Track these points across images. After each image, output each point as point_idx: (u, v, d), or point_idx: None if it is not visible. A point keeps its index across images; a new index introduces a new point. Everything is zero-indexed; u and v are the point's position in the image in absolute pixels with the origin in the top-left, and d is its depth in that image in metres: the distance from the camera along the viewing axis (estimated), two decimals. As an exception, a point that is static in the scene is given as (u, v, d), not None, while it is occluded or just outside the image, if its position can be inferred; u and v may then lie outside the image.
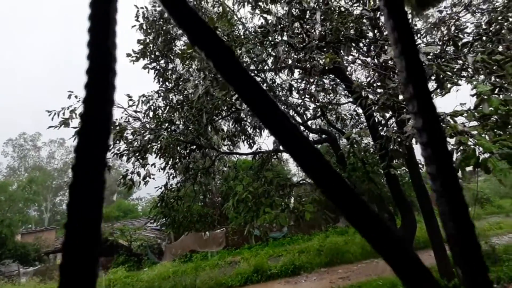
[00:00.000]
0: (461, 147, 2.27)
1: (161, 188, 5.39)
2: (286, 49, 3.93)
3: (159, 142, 4.63)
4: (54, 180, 37.14)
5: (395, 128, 3.77)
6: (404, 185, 13.52)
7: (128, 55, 5.36)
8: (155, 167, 4.96)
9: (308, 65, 3.50)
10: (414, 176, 6.40)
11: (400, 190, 4.51)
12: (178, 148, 5.20)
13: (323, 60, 3.48)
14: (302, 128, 5.62)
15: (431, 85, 2.96)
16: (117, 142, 4.40)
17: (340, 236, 13.40)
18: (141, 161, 4.48)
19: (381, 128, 4.26)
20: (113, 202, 29.56)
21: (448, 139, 2.49)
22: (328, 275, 8.99)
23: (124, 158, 4.42)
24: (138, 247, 15.98)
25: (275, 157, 5.60)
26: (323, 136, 5.20)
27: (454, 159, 2.22)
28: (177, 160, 4.93)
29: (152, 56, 5.52)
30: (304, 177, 6.51)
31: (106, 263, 15.58)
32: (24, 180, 24.69)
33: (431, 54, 3.39)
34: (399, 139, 3.13)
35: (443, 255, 5.87)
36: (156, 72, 5.58)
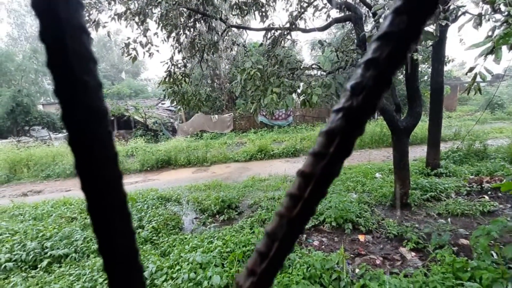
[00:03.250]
0: (510, 21, 1.90)
1: (166, 63, 5.20)
2: None
3: (159, 7, 4.07)
4: (60, 54, 36.37)
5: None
6: (421, 84, 12.99)
7: None
8: (157, 36, 4.59)
9: None
10: (435, 72, 5.96)
11: (416, 80, 4.26)
12: (181, 18, 4.64)
13: None
14: (322, 0, 4.77)
15: None
16: (112, 2, 3.87)
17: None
18: (141, 27, 4.09)
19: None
20: (123, 80, 29.97)
21: (502, 7, 2.06)
22: (324, 158, 10.00)
23: (123, 22, 4.02)
24: (153, 124, 17.34)
25: (288, 36, 5.05)
26: (348, 12, 4.46)
27: (494, 34, 1.91)
28: (181, 31, 4.49)
29: None
30: (316, 62, 6.12)
31: (125, 134, 17.40)
32: (28, 50, 24.18)
33: None
34: (438, 14, 2.64)
35: (435, 151, 6.24)
36: None
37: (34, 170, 10.45)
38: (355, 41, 4.89)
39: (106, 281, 2.98)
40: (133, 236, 0.17)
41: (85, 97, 0.14)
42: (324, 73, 4.82)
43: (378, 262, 3.26)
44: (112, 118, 17.80)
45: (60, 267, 3.56)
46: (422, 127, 9.47)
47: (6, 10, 34.79)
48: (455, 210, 4.04)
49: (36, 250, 3.86)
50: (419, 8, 0.14)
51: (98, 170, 0.15)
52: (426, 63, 8.56)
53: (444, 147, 7.48)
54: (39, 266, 3.59)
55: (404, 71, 4.64)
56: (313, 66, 5.01)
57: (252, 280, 0.17)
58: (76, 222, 5.01)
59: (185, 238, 4.02)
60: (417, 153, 8.22)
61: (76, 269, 3.40)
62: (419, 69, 12.69)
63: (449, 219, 3.84)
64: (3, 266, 3.52)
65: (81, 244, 4.02)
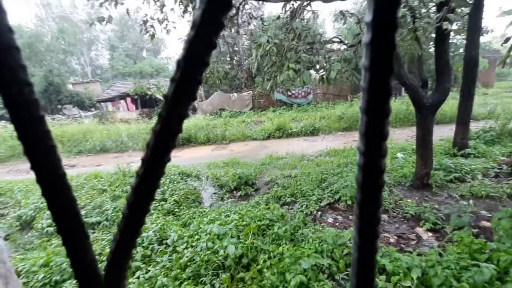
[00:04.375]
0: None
1: (183, 40, 5.17)
2: None
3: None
4: (84, 34, 37.46)
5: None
6: (455, 57, 11.93)
7: None
8: (174, 12, 4.56)
9: None
10: (470, 43, 5.44)
11: (446, 52, 3.92)
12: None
13: None
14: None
15: None
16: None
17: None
18: (158, 3, 4.06)
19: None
20: (144, 59, 30.47)
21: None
22: (344, 137, 9.79)
23: (140, -1, 4.02)
24: (173, 102, 17.68)
25: (308, 8, 4.78)
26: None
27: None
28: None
29: None
30: (338, 34, 5.82)
31: (149, 113, 17.99)
32: (55, 30, 25.07)
33: None
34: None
35: (464, 130, 5.85)
36: None
37: (67, 146, 11.25)
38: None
39: (133, 247, 3.28)
40: (73, 200, 0.23)
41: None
42: (346, 47, 4.59)
43: (392, 240, 3.27)
44: (136, 97, 18.39)
45: (94, 232, 3.95)
46: (453, 104, 8.85)
47: (33, -10, 35.79)
48: (479, 192, 3.86)
49: (72, 217, 4.28)
50: (214, 5, 0.18)
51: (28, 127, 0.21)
52: (462, 34, 7.80)
53: (475, 126, 7.01)
54: (75, 231, 4.01)
55: (434, 43, 4.27)
56: (334, 39, 4.77)
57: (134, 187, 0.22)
58: (106, 193, 5.42)
59: (204, 211, 4.25)
60: (444, 133, 7.78)
61: (107, 235, 3.75)
62: (455, 41, 11.53)
63: (471, 201, 3.70)
64: (45, 230, 3.96)
65: (111, 213, 4.38)
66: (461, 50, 12.56)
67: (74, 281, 2.03)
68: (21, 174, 8.11)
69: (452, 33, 8.67)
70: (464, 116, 5.76)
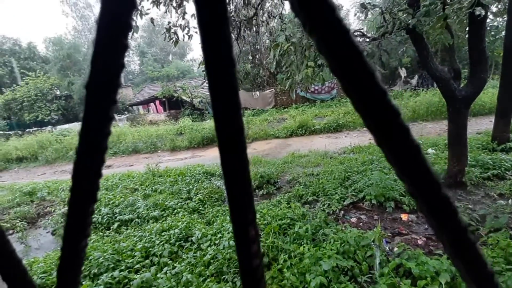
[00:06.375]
0: None
1: (205, 43, 5.33)
2: None
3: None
4: (116, 42, 40.03)
5: None
6: (497, 41, 10.86)
7: None
8: (195, 18, 4.70)
9: None
10: (511, 26, 4.94)
11: (481, 40, 3.61)
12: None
13: None
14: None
15: None
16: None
17: (393, 99, 12.80)
18: (179, 11, 4.23)
19: None
20: (171, 63, 31.69)
21: None
22: (369, 133, 9.39)
23: (163, 7, 4.21)
24: (199, 103, 18.25)
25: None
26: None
27: None
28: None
29: None
30: (362, 27, 5.61)
31: (176, 114, 18.72)
32: (91, 41, 27.27)
33: None
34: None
35: (504, 122, 5.35)
36: None
37: (103, 148, 12.11)
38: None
39: (162, 242, 3.49)
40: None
41: None
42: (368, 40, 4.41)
43: (420, 242, 3.12)
44: (164, 100, 19.22)
45: (127, 229, 4.25)
46: (493, 94, 8.11)
47: (68, 4, 38.74)
48: (521, 190, 3.54)
49: (108, 215, 4.65)
50: None
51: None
52: (504, 16, 7.10)
53: (519, 117, 6.34)
54: (111, 227, 4.35)
55: (467, 29, 3.96)
56: (355, 33, 4.60)
57: None
58: (137, 192, 5.80)
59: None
60: (482, 125, 7.17)
61: (138, 231, 4.02)
62: (496, 23, 10.52)
63: (510, 201, 3.39)
64: (85, 226, 4.34)
65: (142, 211, 4.68)
66: (503, 33, 11.37)
67: (110, 274, 2.21)
68: (65, 175, 8.92)
69: (491, 16, 7.91)
70: (504, 107, 5.27)
